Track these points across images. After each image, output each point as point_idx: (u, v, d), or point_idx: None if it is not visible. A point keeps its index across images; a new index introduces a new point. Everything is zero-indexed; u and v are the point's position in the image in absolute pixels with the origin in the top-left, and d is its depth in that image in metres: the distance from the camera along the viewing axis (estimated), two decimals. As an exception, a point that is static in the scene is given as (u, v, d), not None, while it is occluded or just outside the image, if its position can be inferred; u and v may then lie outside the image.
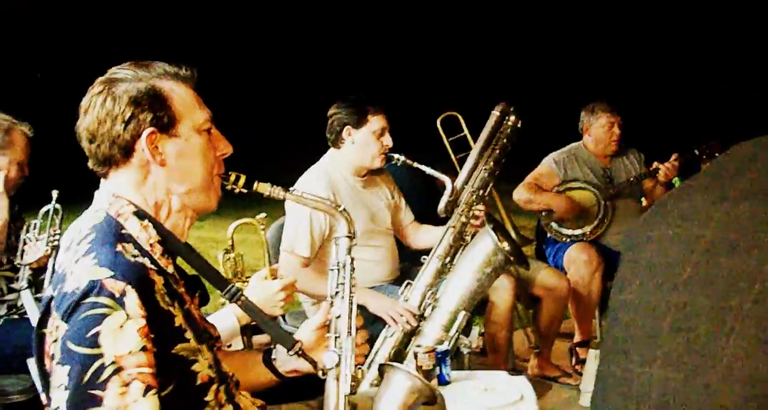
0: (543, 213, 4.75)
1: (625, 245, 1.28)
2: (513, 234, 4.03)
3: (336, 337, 1.96)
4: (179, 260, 1.79)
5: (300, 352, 1.96)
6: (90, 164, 1.76)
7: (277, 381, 2.10)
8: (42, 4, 15.51)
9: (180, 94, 1.75)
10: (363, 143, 3.69)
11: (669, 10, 15.91)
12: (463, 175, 3.82)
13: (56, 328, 1.54)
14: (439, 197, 3.75)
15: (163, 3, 17.50)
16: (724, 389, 1.01)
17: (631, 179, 4.71)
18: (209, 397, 1.68)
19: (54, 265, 3.19)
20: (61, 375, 1.50)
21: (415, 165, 3.73)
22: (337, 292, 2.01)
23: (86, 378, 1.48)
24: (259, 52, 18.90)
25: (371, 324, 3.38)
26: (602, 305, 4.81)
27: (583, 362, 4.25)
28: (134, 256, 1.61)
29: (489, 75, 16.57)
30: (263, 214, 2.81)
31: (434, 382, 2.98)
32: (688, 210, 1.16)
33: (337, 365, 1.92)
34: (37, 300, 3.25)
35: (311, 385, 2.05)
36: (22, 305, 3.38)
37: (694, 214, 1.14)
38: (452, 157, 4.58)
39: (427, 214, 4.01)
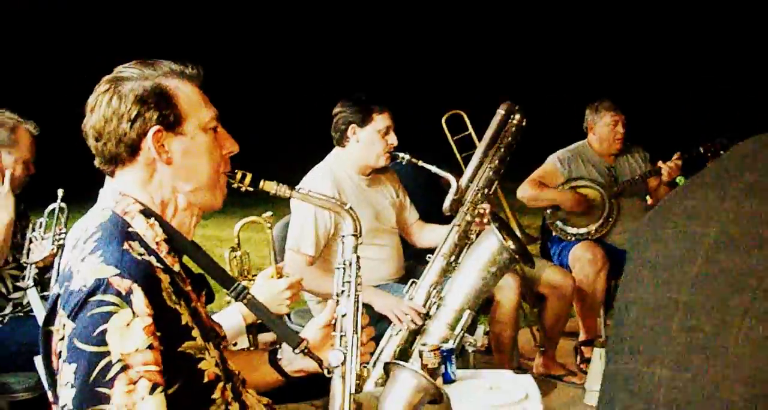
0: (548, 212, 4.75)
1: (630, 244, 1.28)
2: (518, 233, 4.02)
3: (342, 336, 1.96)
4: (185, 258, 1.79)
5: (306, 350, 1.96)
6: (96, 162, 1.77)
7: (283, 381, 2.10)
8: (46, 3, 15.53)
9: (186, 93, 1.75)
10: (368, 142, 3.69)
11: (672, 9, 15.88)
12: (467, 173, 3.81)
13: (63, 326, 1.54)
14: (444, 196, 3.74)
15: (167, 2, 17.50)
16: (731, 388, 1.01)
17: (636, 177, 4.71)
18: (216, 395, 1.69)
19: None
20: (68, 373, 1.50)
21: (420, 163, 3.73)
22: (342, 291, 2.01)
23: (93, 376, 1.48)
24: (263, 51, 18.89)
25: (376, 322, 3.38)
26: (607, 304, 4.81)
27: (587, 361, 4.25)
28: (140, 254, 1.61)
29: (494, 74, 16.55)
30: (269, 213, 2.81)
31: (439, 381, 2.98)
32: (692, 208, 1.15)
33: (343, 363, 1.92)
34: (44, 298, 3.26)
35: (317, 384, 2.06)
36: (27, 303, 3.40)
37: (699, 212, 1.14)
38: (457, 155, 4.57)
39: (431, 213, 4.01)
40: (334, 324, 2.00)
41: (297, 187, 2.02)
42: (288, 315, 3.80)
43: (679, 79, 15.51)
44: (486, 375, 3.19)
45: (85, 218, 1.74)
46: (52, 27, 15.82)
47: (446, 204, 3.73)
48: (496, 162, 3.80)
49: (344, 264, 2.02)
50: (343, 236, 2.05)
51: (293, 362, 2.07)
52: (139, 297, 1.53)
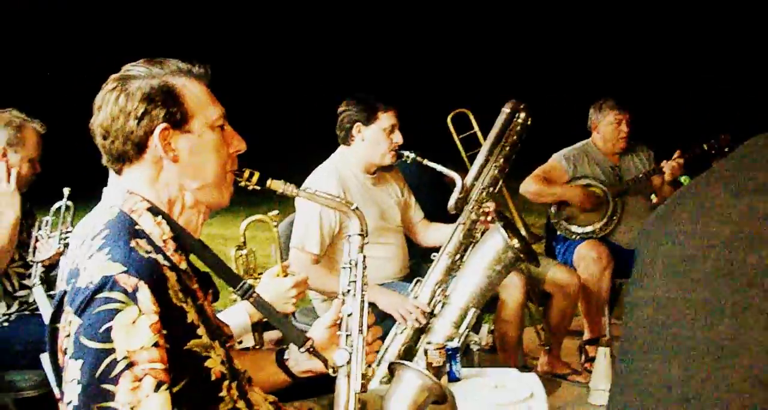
0: (553, 211, 4.74)
1: (640, 241, 1.26)
2: (523, 232, 4.02)
3: (347, 335, 1.96)
4: (192, 257, 1.80)
5: (311, 350, 1.96)
6: (104, 160, 1.77)
7: (289, 382, 2.10)
8: (53, 3, 15.56)
9: (193, 91, 1.75)
10: (373, 140, 3.69)
11: (675, 9, 15.86)
12: (472, 172, 3.81)
13: (69, 323, 1.55)
14: (449, 194, 3.74)
15: (173, 2, 17.53)
16: (746, 387, 1.00)
17: (640, 176, 4.70)
18: (222, 393, 1.69)
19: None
20: (73, 370, 1.51)
21: (425, 162, 3.73)
22: (348, 290, 2.01)
23: (98, 373, 1.48)
24: (269, 50, 18.91)
25: (381, 321, 3.38)
26: (612, 303, 4.81)
27: (592, 360, 4.24)
28: (147, 252, 1.61)
29: (499, 72, 16.55)
30: (275, 211, 2.81)
31: (444, 379, 2.98)
32: (705, 204, 1.14)
33: (348, 362, 1.92)
34: (50, 296, 3.27)
35: (322, 382, 2.06)
36: (33, 301, 3.41)
37: (712, 209, 1.13)
38: (463, 154, 4.57)
39: (437, 211, 4.00)
40: (340, 324, 2.00)
41: (304, 187, 2.02)
42: (293, 313, 3.81)
43: (683, 77, 15.49)
44: (491, 373, 3.19)
45: (90, 216, 1.74)
46: (60, 26, 15.85)
47: (451, 202, 3.73)
48: (501, 160, 3.79)
49: (350, 263, 2.02)
50: (350, 236, 2.05)
51: (300, 362, 2.07)
52: (145, 294, 1.53)
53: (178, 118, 1.72)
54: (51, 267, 3.47)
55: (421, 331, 3.47)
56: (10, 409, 3.18)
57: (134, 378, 1.49)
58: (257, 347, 2.59)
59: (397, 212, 3.87)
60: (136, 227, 1.67)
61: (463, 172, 3.85)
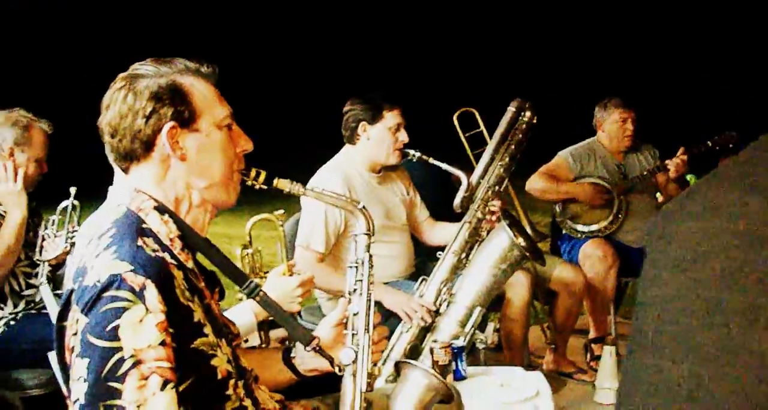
0: (558, 210, 4.74)
1: (650, 237, 1.24)
2: (529, 230, 4.02)
3: (353, 334, 1.96)
4: (198, 255, 1.80)
5: (317, 348, 1.97)
6: (111, 159, 1.78)
7: (296, 380, 2.11)
8: (58, 2, 15.59)
9: (200, 90, 1.76)
10: (378, 139, 3.70)
11: (679, 8, 15.83)
12: (478, 170, 3.81)
13: (76, 321, 1.55)
14: (455, 193, 3.74)
15: (177, 2, 17.55)
16: (758, 387, 1.00)
17: (644, 173, 4.69)
18: (229, 391, 1.70)
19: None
20: (80, 368, 1.51)
21: (431, 161, 3.73)
22: (355, 289, 2.01)
23: (105, 371, 1.49)
24: (274, 50, 18.91)
25: (386, 320, 3.38)
26: (617, 301, 4.81)
27: (598, 358, 4.24)
28: (154, 251, 1.62)
29: (505, 71, 16.54)
30: (281, 210, 2.81)
31: (450, 378, 2.98)
32: (717, 201, 1.13)
33: (354, 362, 1.92)
34: (57, 296, 3.27)
35: (328, 381, 2.06)
36: (40, 300, 3.41)
37: (724, 206, 1.11)
38: (469, 152, 4.57)
39: (442, 210, 4.01)
40: (346, 323, 2.00)
41: (310, 186, 2.02)
42: (299, 312, 3.81)
43: (688, 76, 15.46)
44: (496, 372, 3.18)
45: (97, 214, 1.75)
46: (66, 25, 15.88)
47: (457, 201, 3.73)
48: (507, 159, 3.79)
49: (357, 262, 2.03)
50: (356, 235, 2.05)
51: (306, 361, 2.08)
52: (152, 293, 1.53)
53: (186, 117, 1.72)
54: (58, 266, 3.48)
55: (426, 330, 3.47)
56: (17, 407, 3.19)
57: (141, 376, 1.49)
58: (263, 346, 2.60)
59: (403, 211, 3.88)
60: (143, 226, 1.67)
61: (470, 170, 3.84)
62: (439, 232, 3.98)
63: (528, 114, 3.84)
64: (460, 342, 3.22)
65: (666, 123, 10.64)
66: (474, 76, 16.87)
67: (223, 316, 1.88)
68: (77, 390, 1.51)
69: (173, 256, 1.66)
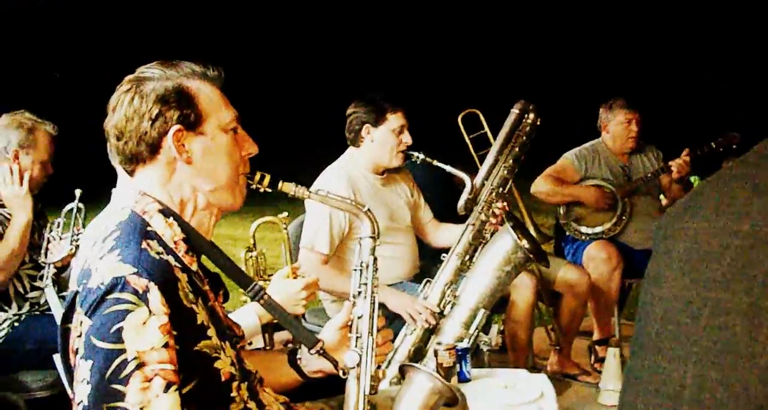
0: (562, 212, 4.74)
1: (657, 237, 1.24)
2: (533, 232, 4.01)
3: (357, 337, 1.96)
4: (202, 258, 1.80)
5: (321, 351, 1.97)
6: (116, 161, 1.78)
7: (300, 382, 2.11)
8: (62, 4, 15.61)
9: (207, 93, 1.77)
10: (382, 141, 3.70)
11: (683, 9, 15.82)
12: (482, 172, 3.81)
13: (80, 323, 1.55)
14: (459, 195, 3.74)
15: (185, 5, 17.58)
16: (760, 389, 1.00)
17: (648, 175, 4.69)
18: (233, 394, 1.70)
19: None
20: (84, 370, 1.52)
21: (435, 163, 3.73)
22: (359, 292, 2.01)
23: (109, 373, 1.49)
24: (278, 53, 18.93)
25: (391, 322, 3.38)
26: (621, 303, 4.80)
27: (602, 360, 4.23)
28: (159, 254, 1.62)
29: (509, 72, 16.53)
30: (285, 213, 2.81)
31: (454, 380, 2.98)
32: (724, 202, 1.13)
33: (358, 365, 1.92)
34: (61, 298, 3.27)
35: (333, 383, 2.06)
36: (44, 302, 3.41)
37: (731, 207, 1.11)
38: (473, 154, 4.57)
39: (446, 212, 4.00)
40: (351, 326, 2.00)
41: (315, 189, 2.02)
42: (303, 314, 3.81)
43: (690, 77, 15.45)
44: (501, 374, 3.18)
45: (101, 217, 1.75)
46: (71, 27, 15.91)
47: (460, 203, 3.72)
48: (511, 161, 3.79)
49: (361, 265, 2.03)
50: (361, 238, 2.05)
51: (311, 362, 2.08)
52: (155, 295, 1.54)
53: (192, 120, 1.73)
54: (63, 268, 3.48)
55: (430, 332, 3.47)
56: (21, 409, 3.20)
57: (144, 378, 1.49)
58: (267, 348, 2.59)
59: (407, 212, 3.88)
60: (148, 228, 1.67)
61: (474, 172, 3.84)
62: (443, 233, 3.98)
63: (532, 116, 3.83)
64: (465, 344, 3.22)
65: (669, 124, 10.63)
66: (478, 78, 16.87)
67: (227, 319, 1.88)
68: (81, 392, 1.52)
69: (177, 259, 1.66)
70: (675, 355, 1.09)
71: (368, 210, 2.06)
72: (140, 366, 1.50)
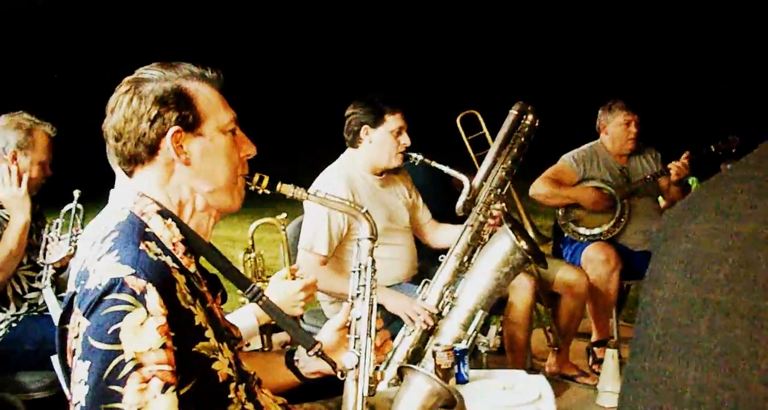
0: (560, 213, 4.74)
1: (658, 238, 1.23)
2: (531, 233, 4.01)
3: (356, 338, 1.96)
4: (201, 259, 1.80)
5: (320, 353, 1.97)
6: (116, 162, 1.78)
7: (298, 383, 2.11)
8: (61, 5, 15.61)
9: (205, 95, 1.77)
10: (380, 142, 3.70)
11: (682, 11, 15.83)
12: (480, 173, 3.80)
13: (78, 324, 1.55)
14: (457, 196, 3.74)
15: (184, 6, 17.58)
16: (761, 392, 0.99)
17: (647, 177, 4.69)
18: (231, 395, 1.70)
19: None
20: (81, 371, 1.52)
21: (433, 164, 3.73)
22: (358, 294, 2.01)
23: (106, 374, 1.49)
24: (276, 54, 18.93)
25: (389, 323, 3.38)
26: (619, 304, 4.80)
27: (600, 362, 4.24)
28: (157, 255, 1.62)
29: (508, 74, 16.54)
30: (284, 215, 2.81)
31: (452, 381, 2.98)
32: (725, 203, 1.12)
33: (356, 366, 1.92)
34: (60, 299, 3.27)
35: (331, 384, 2.06)
36: (42, 303, 3.41)
37: (732, 208, 1.11)
38: (472, 155, 4.57)
39: (444, 213, 4.00)
40: (349, 327, 2.00)
41: (314, 190, 2.02)
42: (301, 316, 3.81)
43: (689, 78, 15.46)
44: (499, 375, 3.18)
45: (100, 217, 1.75)
46: (69, 28, 15.90)
47: (459, 204, 3.72)
48: (509, 162, 3.79)
49: (360, 267, 2.03)
50: (359, 239, 2.06)
51: (309, 363, 2.08)
52: (153, 296, 1.54)
53: (191, 121, 1.73)
54: (61, 269, 3.48)
55: (429, 333, 3.47)
56: (19, 410, 3.20)
57: (142, 379, 1.49)
58: (266, 349, 2.59)
59: (405, 213, 3.88)
60: (146, 229, 1.67)
61: (473, 173, 3.84)
62: (442, 234, 3.98)
63: (530, 117, 3.84)
64: (463, 346, 3.22)
65: (668, 126, 10.63)
66: (477, 79, 16.87)
67: (225, 320, 1.88)
68: (78, 393, 1.52)
69: (175, 260, 1.66)
70: (676, 357, 1.09)
71: (366, 211, 2.06)
72: (138, 367, 1.50)
